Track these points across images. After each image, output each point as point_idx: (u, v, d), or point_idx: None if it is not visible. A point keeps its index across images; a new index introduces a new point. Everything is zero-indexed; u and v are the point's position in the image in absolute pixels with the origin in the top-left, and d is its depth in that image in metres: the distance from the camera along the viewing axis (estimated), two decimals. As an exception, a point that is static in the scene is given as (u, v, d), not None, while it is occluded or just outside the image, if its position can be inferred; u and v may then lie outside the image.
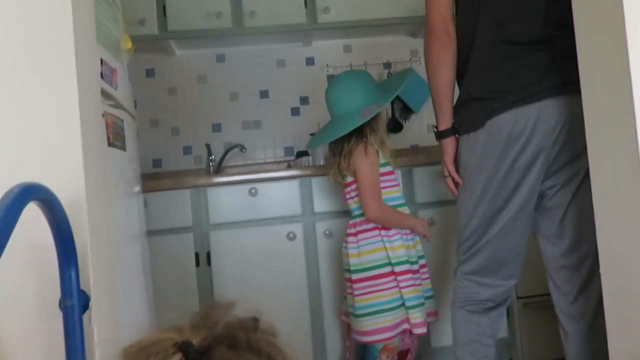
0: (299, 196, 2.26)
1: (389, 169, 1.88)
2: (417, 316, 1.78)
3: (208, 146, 2.79)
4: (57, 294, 0.89)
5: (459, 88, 1.61)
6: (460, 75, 1.57)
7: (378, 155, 1.84)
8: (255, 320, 0.62)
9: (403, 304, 1.79)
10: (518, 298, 2.24)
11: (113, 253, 1.11)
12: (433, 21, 1.53)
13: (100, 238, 1.00)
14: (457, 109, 1.59)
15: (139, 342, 0.57)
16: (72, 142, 0.95)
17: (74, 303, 0.86)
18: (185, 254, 2.19)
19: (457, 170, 1.61)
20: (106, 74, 1.31)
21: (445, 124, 1.60)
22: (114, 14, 1.48)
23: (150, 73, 2.91)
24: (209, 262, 2.20)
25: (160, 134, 2.88)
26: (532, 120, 1.42)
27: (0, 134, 0.94)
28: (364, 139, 1.83)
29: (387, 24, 2.78)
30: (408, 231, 1.86)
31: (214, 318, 0.60)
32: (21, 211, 0.70)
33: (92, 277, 0.92)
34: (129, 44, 1.62)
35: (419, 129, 3.01)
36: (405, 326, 1.78)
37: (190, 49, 2.92)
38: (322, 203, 2.27)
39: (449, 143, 1.60)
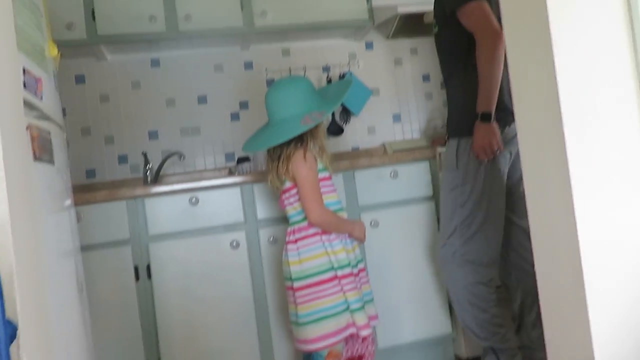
0: (240, 203, 2.22)
1: (326, 174, 1.88)
2: (361, 318, 1.79)
3: (145, 154, 2.69)
4: (-21, 324, 0.82)
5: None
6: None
7: (316, 161, 1.84)
8: None
9: (347, 308, 1.79)
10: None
11: (42, 275, 1.05)
12: (494, 25, 1.81)
13: (27, 260, 0.94)
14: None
15: None
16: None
17: (0, 335, 0.80)
18: (123, 268, 2.10)
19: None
20: (30, 83, 1.23)
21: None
22: (37, 21, 1.40)
23: (80, 79, 2.78)
24: (149, 276, 2.12)
25: (93, 143, 2.76)
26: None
27: None
28: (304, 145, 1.83)
29: (325, 27, 2.78)
30: (347, 235, 1.87)
31: None
32: None
33: (19, 304, 0.86)
34: (55, 51, 1.54)
35: (360, 131, 3.04)
36: (352, 330, 1.78)
37: (122, 54, 2.81)
38: (265, 209, 2.24)
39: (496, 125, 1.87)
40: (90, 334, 1.60)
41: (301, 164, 1.79)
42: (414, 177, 2.33)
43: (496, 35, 1.80)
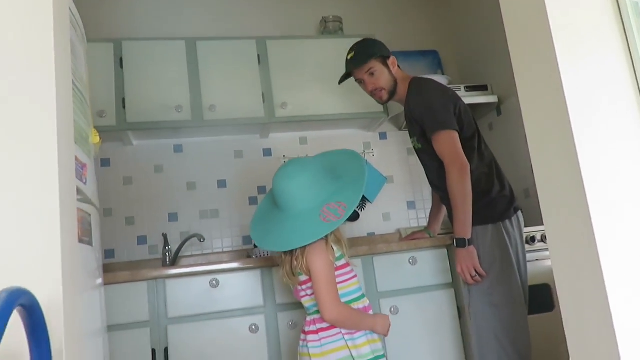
0: (260, 287, 2.23)
1: (344, 262, 1.77)
2: None
3: (165, 236, 2.74)
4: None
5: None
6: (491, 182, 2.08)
7: (333, 251, 1.73)
8: None
9: None
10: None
11: (81, 355, 1.06)
12: (462, 158, 1.98)
13: (73, 339, 0.96)
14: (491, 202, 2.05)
15: None
16: (52, 245, 0.93)
17: (48, 414, 0.81)
18: (141, 350, 2.07)
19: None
20: (77, 170, 1.30)
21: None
22: (84, 110, 1.50)
23: (105, 163, 2.90)
24: (166, 359, 2.09)
25: (114, 224, 2.82)
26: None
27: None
28: (325, 236, 1.68)
29: (341, 119, 2.92)
30: None
31: None
32: (9, 318, 0.67)
33: (65, 385, 0.88)
34: (97, 139, 1.63)
35: (375, 217, 3.09)
36: None
37: (147, 140, 2.94)
38: (283, 294, 2.24)
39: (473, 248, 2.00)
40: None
41: (318, 257, 1.67)
42: (432, 264, 2.35)
43: (463, 167, 1.96)
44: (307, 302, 1.77)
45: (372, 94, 2.21)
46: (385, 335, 1.78)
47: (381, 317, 1.78)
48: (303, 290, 1.76)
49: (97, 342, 1.42)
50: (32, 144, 0.97)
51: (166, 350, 2.10)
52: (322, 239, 1.68)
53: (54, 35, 1.04)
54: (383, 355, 1.74)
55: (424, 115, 2.06)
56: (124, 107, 2.64)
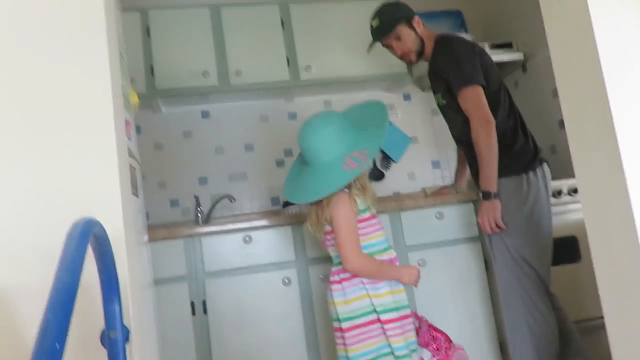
0: (292, 242, 2.32)
1: (368, 214, 1.80)
2: None
3: (197, 198, 2.83)
4: (96, 327, 0.93)
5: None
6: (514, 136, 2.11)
7: (356, 203, 1.75)
8: None
9: (392, 353, 1.69)
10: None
11: (143, 292, 1.16)
12: (487, 113, 2.02)
13: (135, 275, 1.05)
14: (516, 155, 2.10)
15: None
16: (114, 190, 1.02)
17: (118, 336, 0.90)
18: (180, 303, 2.19)
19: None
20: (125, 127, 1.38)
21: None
22: (125, 71, 1.58)
23: (136, 130, 2.97)
24: (204, 311, 2.21)
25: (146, 188, 2.91)
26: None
27: (56, 186, 1.01)
28: (345, 189, 1.75)
29: (365, 80, 2.95)
30: None
31: None
32: (89, 242, 0.75)
33: (131, 311, 0.97)
34: (136, 99, 1.71)
35: (400, 177, 3.14)
36: None
37: (176, 106, 3.02)
38: (313, 249, 2.33)
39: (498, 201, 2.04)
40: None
41: (341, 207, 1.72)
42: (459, 218, 2.40)
43: (489, 123, 2.00)
44: (332, 252, 1.84)
45: (401, 57, 2.27)
46: (415, 286, 1.81)
47: (407, 268, 1.80)
48: (328, 240, 1.82)
49: (149, 292, 1.52)
50: (93, 104, 1.06)
51: (204, 302, 2.21)
52: (345, 191, 1.74)
53: (105, 11, 1.12)
54: (407, 306, 1.76)
55: (449, 70, 2.09)
56: (152, 74, 2.71)
